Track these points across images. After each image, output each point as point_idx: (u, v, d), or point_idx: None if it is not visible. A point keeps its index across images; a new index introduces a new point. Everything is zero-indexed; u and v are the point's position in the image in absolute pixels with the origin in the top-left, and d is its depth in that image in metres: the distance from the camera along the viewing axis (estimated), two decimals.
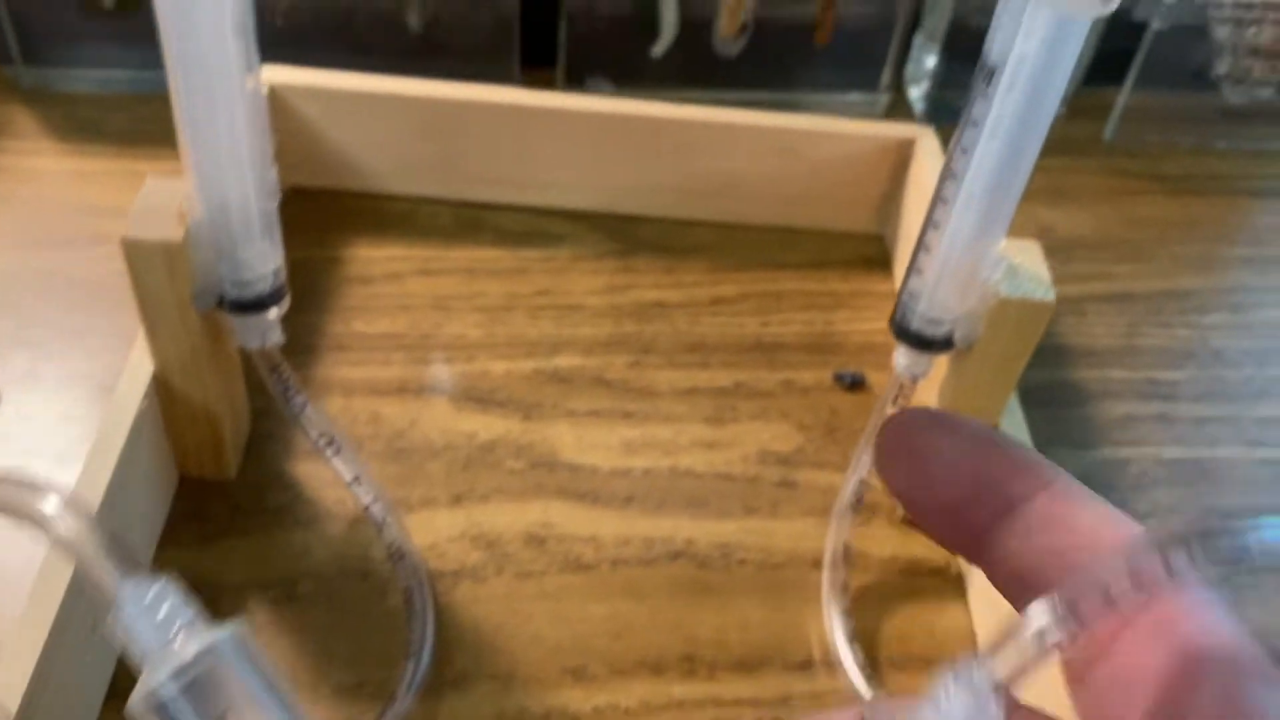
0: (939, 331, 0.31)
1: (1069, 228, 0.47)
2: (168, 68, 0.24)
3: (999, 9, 0.25)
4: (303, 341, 0.38)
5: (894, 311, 0.31)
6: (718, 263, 0.43)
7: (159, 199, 0.27)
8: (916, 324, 0.31)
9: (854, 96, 0.51)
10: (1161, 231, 0.47)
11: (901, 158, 0.43)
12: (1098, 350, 0.42)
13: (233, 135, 0.25)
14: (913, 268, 0.30)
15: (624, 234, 0.44)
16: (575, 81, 0.49)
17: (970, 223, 0.28)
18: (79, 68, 0.47)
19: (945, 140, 0.41)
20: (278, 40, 0.46)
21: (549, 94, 0.42)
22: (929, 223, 0.29)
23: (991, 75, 0.26)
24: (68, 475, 0.28)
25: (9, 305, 0.38)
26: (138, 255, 0.27)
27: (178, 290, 0.28)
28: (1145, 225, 0.47)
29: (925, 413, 0.20)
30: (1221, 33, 0.48)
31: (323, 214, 0.42)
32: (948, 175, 0.28)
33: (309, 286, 0.40)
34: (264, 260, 0.28)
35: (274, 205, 0.28)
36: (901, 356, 0.32)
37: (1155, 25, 0.48)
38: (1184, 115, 0.51)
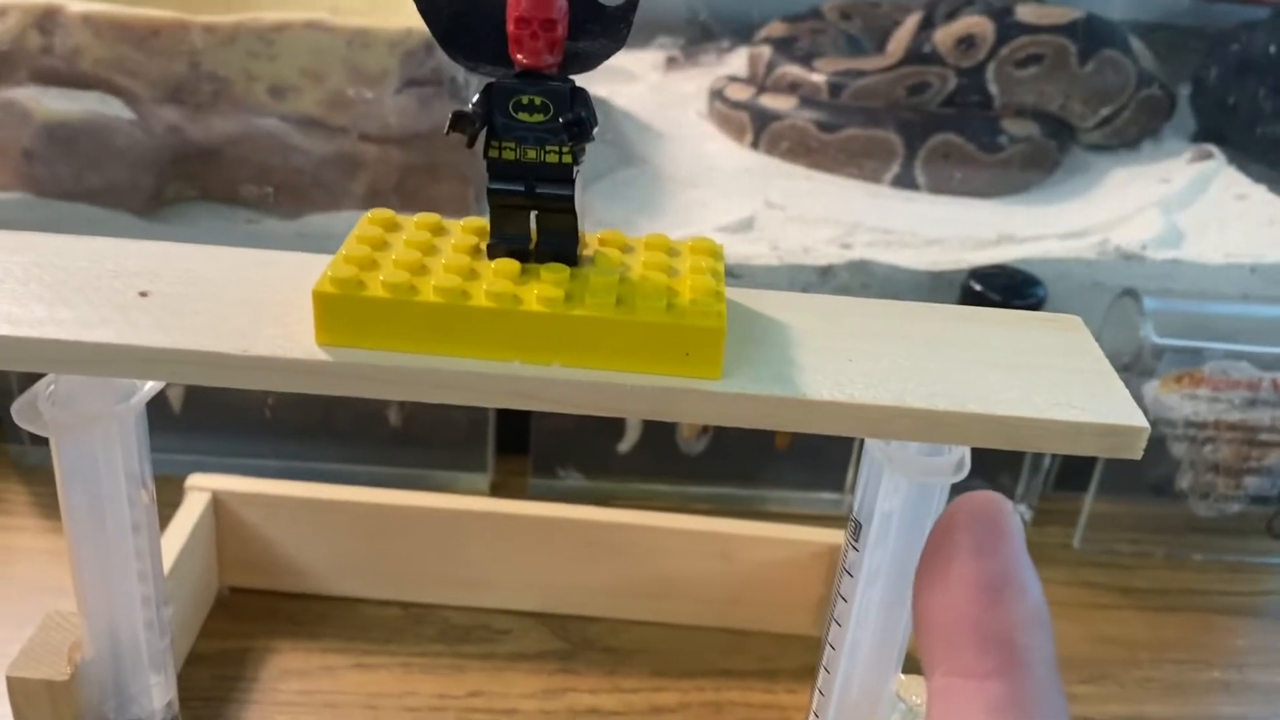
0: None
1: None
2: (63, 514, 0.26)
3: (860, 467, 0.26)
4: None
5: None
6: (661, 667, 0.43)
7: (55, 635, 0.28)
8: None
9: (820, 495, 0.52)
10: (1130, 652, 0.46)
11: (834, 562, 0.43)
12: None
13: (124, 575, 0.27)
14: (811, 709, 0.30)
15: (568, 633, 0.44)
16: (546, 473, 0.51)
17: (859, 668, 0.28)
18: None
19: None
20: (267, 428, 0.49)
21: (488, 499, 0.43)
22: (819, 669, 0.29)
23: (858, 528, 0.26)
24: None
25: None
26: (21, 692, 0.27)
27: None
28: (1113, 644, 0.46)
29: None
30: (1178, 449, 0.49)
31: (262, 613, 0.43)
32: (830, 622, 0.28)
33: (239, 678, 0.40)
34: (154, 697, 0.28)
35: (167, 642, 0.29)
36: None
37: None
38: (1154, 525, 0.51)
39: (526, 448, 0.51)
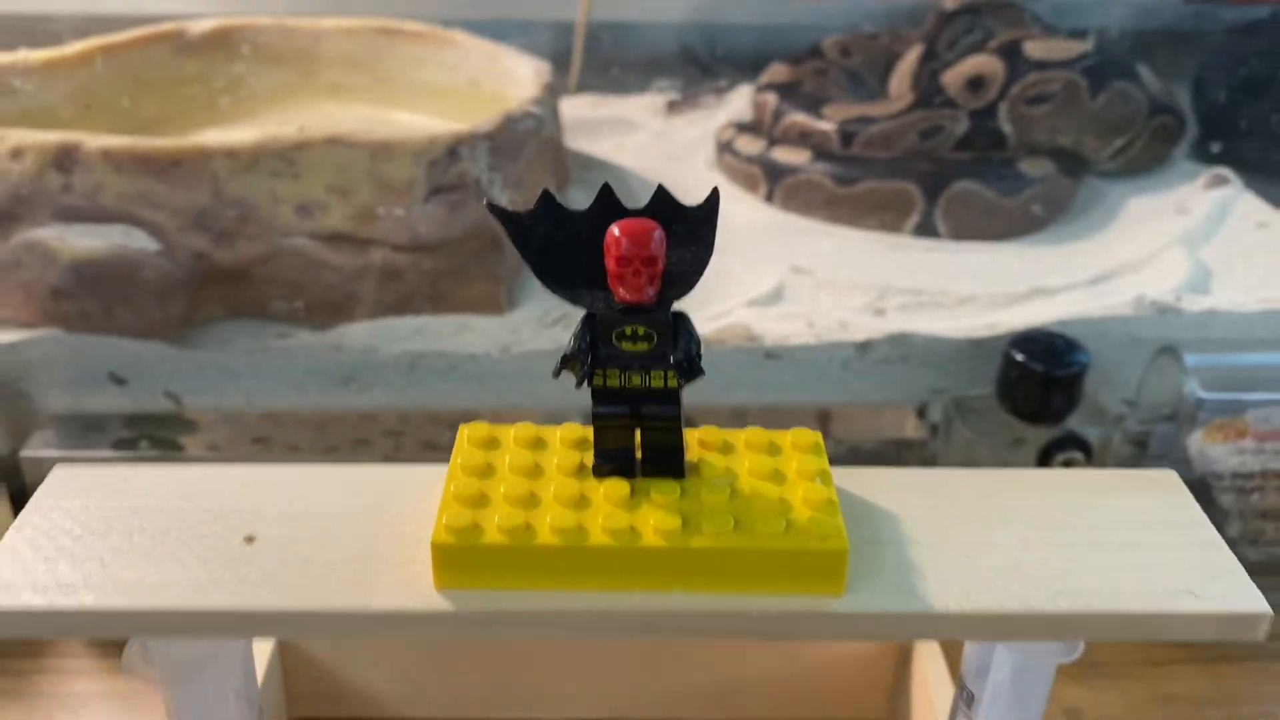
0: None
1: (1098, 709, 0.46)
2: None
3: (968, 643, 0.27)
4: None
5: None
6: None
7: None
8: None
9: None
10: (1196, 710, 0.46)
11: (902, 652, 0.43)
12: None
13: None
14: None
15: None
16: None
17: None
18: None
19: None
20: None
21: None
22: None
23: (971, 698, 0.27)
24: None
25: None
26: None
27: None
28: (1179, 702, 0.46)
29: None
30: (1226, 500, 0.49)
31: None
32: None
33: None
34: None
35: None
36: None
37: None
38: None
39: None
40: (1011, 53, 0.63)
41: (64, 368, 0.47)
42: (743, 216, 0.63)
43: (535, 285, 0.53)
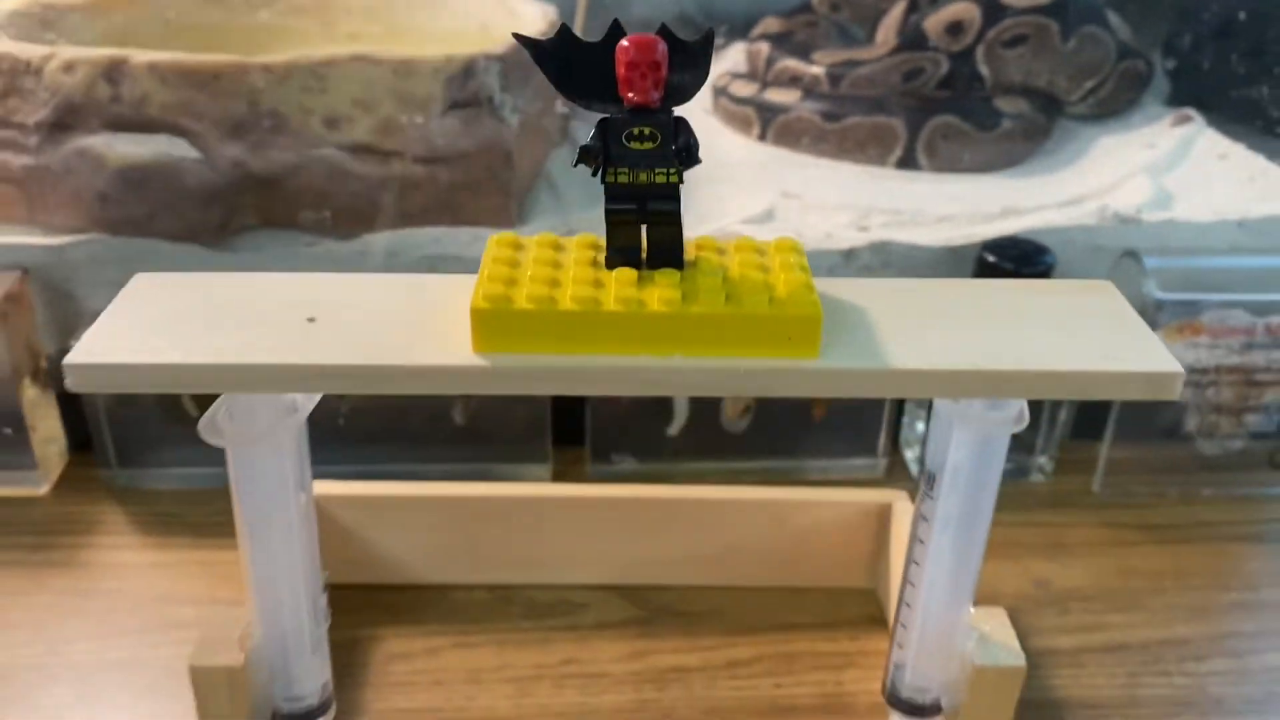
0: (926, 698, 0.33)
1: (1065, 580, 0.50)
2: (236, 517, 0.30)
3: (931, 421, 0.30)
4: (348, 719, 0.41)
5: (884, 680, 0.34)
6: (732, 626, 0.47)
7: (220, 628, 0.32)
8: (905, 692, 0.33)
9: (856, 461, 0.56)
10: (1155, 581, 0.50)
11: (882, 520, 0.47)
12: (1098, 702, 0.43)
13: (290, 569, 0.30)
14: (894, 641, 0.34)
15: (644, 601, 0.48)
16: (601, 458, 0.55)
17: (937, 601, 0.32)
18: (165, 467, 0.53)
19: None
20: (341, 436, 0.53)
21: (561, 485, 0.47)
22: (902, 603, 0.33)
23: (932, 479, 0.30)
24: None
25: (87, 694, 0.42)
26: (202, 679, 0.31)
27: (237, 708, 0.31)
28: (1139, 575, 0.50)
29: None
30: (1184, 394, 0.53)
31: (364, 605, 0.47)
32: (911, 561, 0.32)
33: (353, 663, 0.44)
34: (314, 677, 0.32)
35: (324, 629, 0.32)
36: None
37: None
38: (1166, 466, 0.55)
39: (581, 439, 0.55)
40: None
41: (109, 269, 0.51)
42: (737, 153, 0.67)
43: (545, 202, 0.58)
